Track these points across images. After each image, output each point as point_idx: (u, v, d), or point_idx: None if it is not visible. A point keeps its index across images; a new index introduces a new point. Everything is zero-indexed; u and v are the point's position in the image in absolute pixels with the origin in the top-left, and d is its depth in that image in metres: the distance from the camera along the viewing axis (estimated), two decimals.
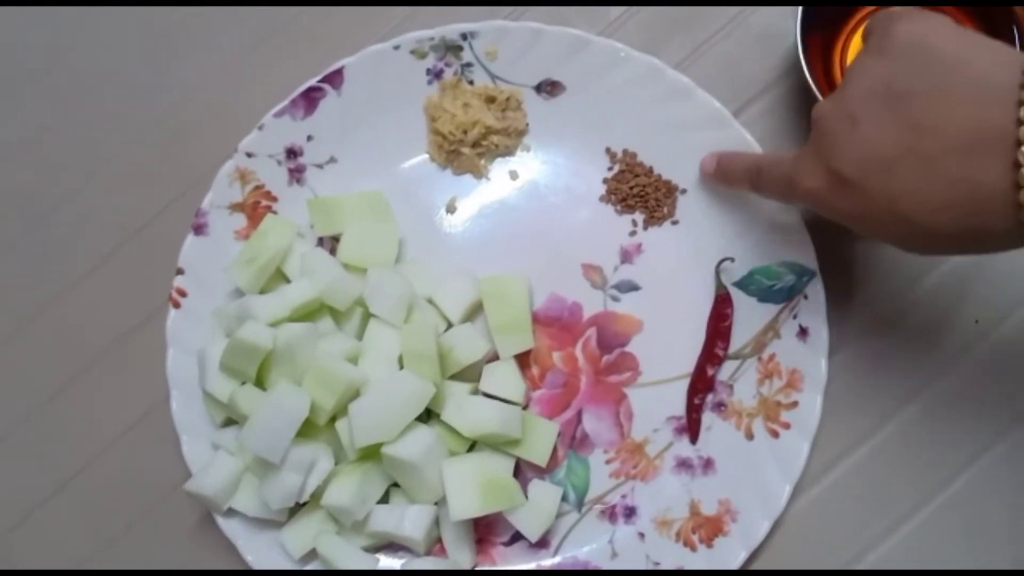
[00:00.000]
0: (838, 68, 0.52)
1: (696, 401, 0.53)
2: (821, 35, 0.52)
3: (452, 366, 0.52)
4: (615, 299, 0.55)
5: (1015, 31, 0.49)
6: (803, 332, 0.52)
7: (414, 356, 0.51)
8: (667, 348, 0.54)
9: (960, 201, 0.35)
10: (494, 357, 0.53)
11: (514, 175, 0.56)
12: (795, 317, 0.52)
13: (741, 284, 0.53)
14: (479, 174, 0.56)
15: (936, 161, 0.35)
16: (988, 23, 0.50)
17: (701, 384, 0.53)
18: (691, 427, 0.53)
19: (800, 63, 0.49)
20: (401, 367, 0.52)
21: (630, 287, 0.55)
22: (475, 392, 0.53)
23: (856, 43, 0.52)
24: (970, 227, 0.36)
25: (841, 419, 0.52)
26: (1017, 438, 0.52)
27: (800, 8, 0.49)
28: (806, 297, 0.52)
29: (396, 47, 0.55)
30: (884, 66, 0.37)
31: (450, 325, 0.53)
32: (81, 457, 0.56)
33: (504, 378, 0.53)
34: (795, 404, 0.51)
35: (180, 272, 0.55)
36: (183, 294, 0.55)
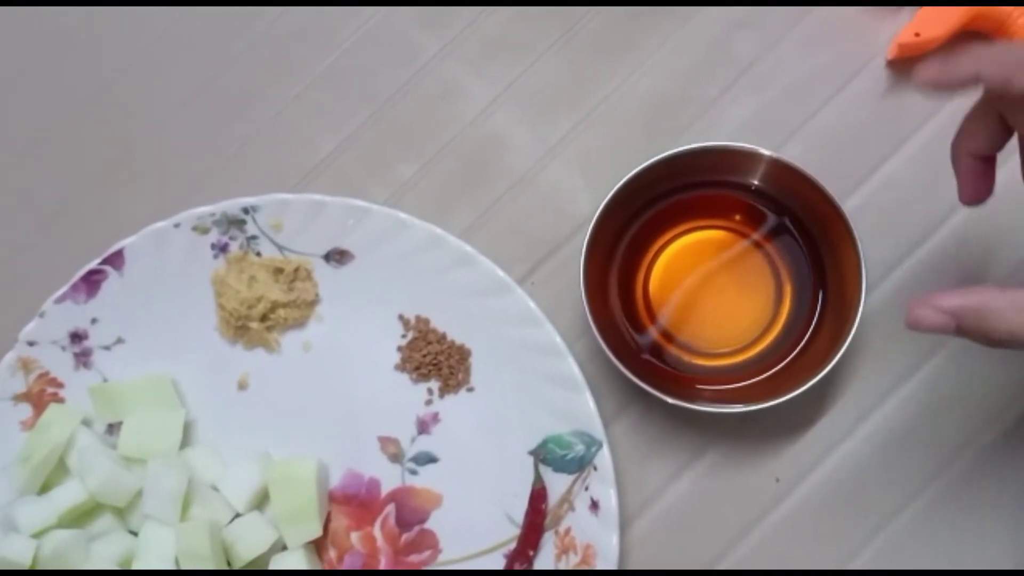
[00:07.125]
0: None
1: None
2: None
3: (236, 560, 0.50)
4: (413, 472, 0.53)
5: None
6: (594, 505, 0.50)
7: (189, 557, 0.48)
8: (467, 523, 0.52)
9: None
10: None
11: (307, 346, 0.55)
12: (587, 489, 0.50)
13: (536, 453, 0.52)
14: (271, 348, 0.55)
15: None
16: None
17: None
18: None
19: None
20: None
21: (428, 459, 0.53)
22: None
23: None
24: None
25: None
26: None
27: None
28: (595, 468, 0.50)
29: (177, 225, 0.54)
30: None
31: (239, 514, 0.51)
32: None
33: (293, 568, 0.50)
34: None
35: None
36: None
